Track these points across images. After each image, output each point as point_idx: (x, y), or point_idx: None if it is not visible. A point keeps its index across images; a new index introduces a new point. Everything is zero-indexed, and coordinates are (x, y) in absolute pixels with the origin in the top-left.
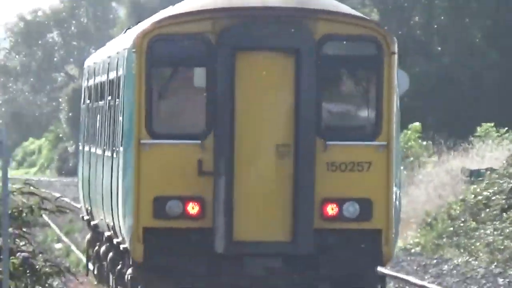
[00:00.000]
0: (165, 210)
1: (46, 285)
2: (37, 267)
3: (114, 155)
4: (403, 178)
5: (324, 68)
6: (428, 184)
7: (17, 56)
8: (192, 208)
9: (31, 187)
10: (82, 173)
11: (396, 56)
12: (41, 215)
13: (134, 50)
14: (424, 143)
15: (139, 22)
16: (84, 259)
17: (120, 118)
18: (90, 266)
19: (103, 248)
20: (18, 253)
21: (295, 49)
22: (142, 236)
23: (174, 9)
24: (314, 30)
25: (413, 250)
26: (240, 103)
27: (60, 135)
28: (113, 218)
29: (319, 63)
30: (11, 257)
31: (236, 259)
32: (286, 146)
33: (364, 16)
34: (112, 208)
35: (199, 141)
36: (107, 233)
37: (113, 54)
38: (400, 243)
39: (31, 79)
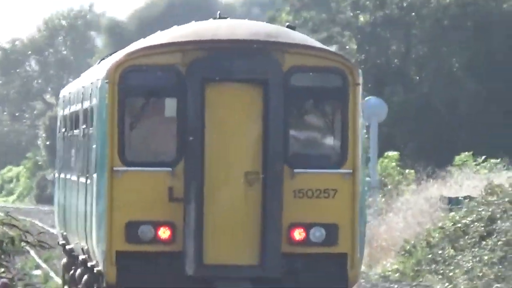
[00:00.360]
0: (137, 234)
1: None
2: None
3: (88, 181)
4: (380, 205)
5: (291, 98)
6: (406, 211)
7: None
8: (164, 233)
9: (12, 219)
10: (58, 199)
11: (360, 87)
12: (22, 247)
13: (107, 80)
14: (406, 171)
15: (113, 53)
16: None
17: (94, 146)
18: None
19: (78, 271)
20: None
21: (263, 80)
22: (115, 260)
23: (145, 41)
24: (282, 62)
25: (392, 277)
26: (209, 132)
27: (39, 163)
28: (87, 242)
29: (286, 94)
30: None
31: (206, 282)
32: (254, 174)
33: (330, 49)
34: (86, 232)
35: (170, 169)
36: (81, 257)
37: (87, 84)
38: (379, 270)
39: (9, 107)
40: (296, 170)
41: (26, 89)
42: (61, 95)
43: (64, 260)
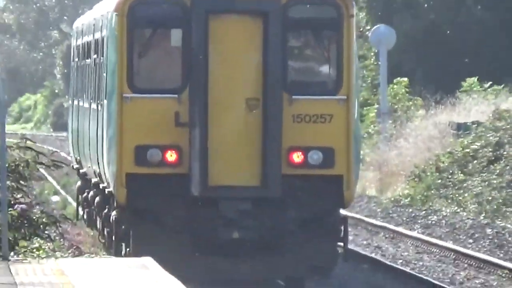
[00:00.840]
0: (146, 157)
1: (44, 234)
2: (34, 218)
3: (99, 108)
4: (390, 131)
5: (289, 29)
6: (416, 137)
7: (11, 16)
8: (170, 156)
9: (28, 142)
10: (72, 126)
11: (354, 19)
12: (38, 169)
13: (116, 13)
14: (415, 97)
15: None
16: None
17: (104, 74)
18: (80, 211)
19: (91, 194)
20: (16, 205)
21: (263, 12)
22: (125, 181)
23: None
24: None
25: (402, 202)
26: (213, 61)
27: (56, 91)
28: (99, 166)
29: (285, 25)
30: (9, 209)
31: (211, 202)
32: (255, 100)
33: None
34: (98, 156)
35: (176, 95)
36: (94, 180)
37: (98, 16)
38: (389, 195)
39: (26, 36)
40: (294, 97)
41: (42, 19)
42: (74, 26)
43: (78, 183)
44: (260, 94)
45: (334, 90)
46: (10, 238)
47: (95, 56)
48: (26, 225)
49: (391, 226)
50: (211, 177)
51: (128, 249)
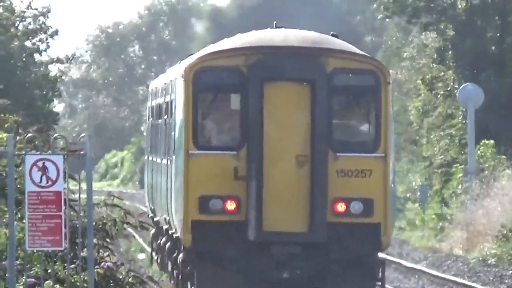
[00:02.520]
0: (208, 206)
1: None
2: (120, 277)
3: (169, 162)
4: (477, 191)
5: (334, 95)
6: (503, 197)
7: (98, 71)
8: (230, 205)
9: (115, 200)
10: (147, 179)
11: (390, 86)
12: (125, 229)
13: (183, 79)
14: (502, 157)
15: (190, 54)
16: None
17: (173, 133)
18: (154, 256)
19: (163, 240)
20: (102, 263)
21: (311, 79)
22: (190, 227)
23: (214, 46)
24: (326, 64)
25: (489, 261)
26: (267, 122)
27: (142, 148)
28: (168, 214)
29: (330, 91)
30: (95, 267)
31: (264, 245)
32: (304, 157)
33: (365, 54)
34: (167, 205)
35: (235, 152)
36: (165, 227)
37: (168, 81)
38: (476, 254)
39: (113, 92)
40: (338, 154)
41: (129, 75)
42: (149, 88)
43: (153, 231)
44: (308, 152)
45: (373, 148)
46: None
47: (165, 116)
48: (111, 284)
49: (479, 286)
50: (265, 223)
51: (192, 287)
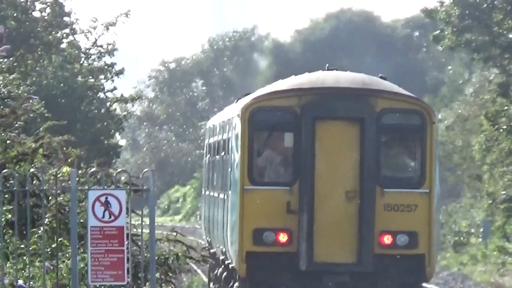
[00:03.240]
0: (262, 238)
1: None
2: None
3: (225, 197)
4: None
5: (382, 133)
6: None
7: (160, 106)
8: (282, 237)
9: (177, 235)
10: (204, 212)
11: (436, 125)
12: (187, 263)
13: (239, 118)
14: None
15: (247, 94)
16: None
17: (229, 169)
18: (212, 286)
19: (219, 270)
20: None
21: (361, 118)
22: (245, 258)
23: (269, 87)
24: (375, 105)
25: None
26: (318, 159)
27: None
28: (224, 245)
29: (378, 130)
30: None
31: (315, 275)
32: (353, 192)
33: (411, 95)
34: (224, 237)
35: (288, 187)
36: (221, 257)
37: (225, 119)
38: None
39: (176, 127)
40: (386, 190)
41: (191, 110)
42: (207, 126)
43: (210, 262)
44: (357, 187)
45: (418, 184)
46: None
47: (222, 153)
48: None
49: None
50: (316, 254)
51: None
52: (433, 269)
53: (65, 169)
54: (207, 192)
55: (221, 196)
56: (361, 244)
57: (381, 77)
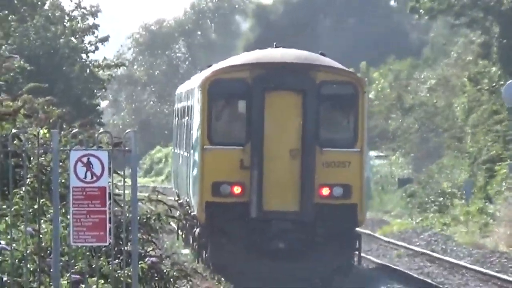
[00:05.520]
0: (219, 190)
1: None
2: (164, 271)
3: (189, 155)
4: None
5: (321, 102)
6: None
7: (141, 68)
8: (237, 189)
9: (159, 195)
10: (173, 168)
11: (366, 94)
12: (169, 223)
13: (200, 88)
14: None
15: (209, 66)
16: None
17: (192, 132)
18: (180, 232)
19: (185, 218)
20: (147, 258)
21: (303, 89)
22: (205, 207)
23: (226, 62)
24: (315, 78)
25: None
26: (267, 123)
27: None
28: (188, 196)
29: (318, 99)
30: (140, 262)
31: (264, 222)
32: (296, 151)
33: (346, 69)
34: (187, 189)
35: (241, 147)
36: (186, 207)
37: (189, 88)
38: None
39: (157, 89)
40: (324, 149)
41: (173, 71)
42: (176, 93)
43: (178, 213)
44: (300, 147)
45: (352, 144)
46: None
47: (187, 117)
48: (156, 278)
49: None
50: (264, 204)
51: (206, 255)
52: (364, 216)
53: (42, 131)
54: (175, 150)
55: (186, 154)
56: (303, 195)
57: (321, 54)
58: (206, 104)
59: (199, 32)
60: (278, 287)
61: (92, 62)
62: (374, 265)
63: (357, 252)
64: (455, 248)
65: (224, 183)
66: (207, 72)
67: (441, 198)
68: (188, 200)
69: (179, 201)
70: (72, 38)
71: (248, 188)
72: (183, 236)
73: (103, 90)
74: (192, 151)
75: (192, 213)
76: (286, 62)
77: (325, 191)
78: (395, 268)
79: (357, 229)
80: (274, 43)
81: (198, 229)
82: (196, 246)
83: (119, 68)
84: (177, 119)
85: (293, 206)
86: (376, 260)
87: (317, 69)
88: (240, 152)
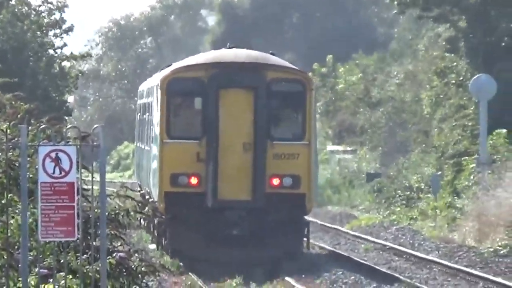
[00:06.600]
0: (177, 181)
1: (142, 284)
2: (132, 266)
3: (149, 148)
4: (489, 181)
5: (271, 98)
6: None
7: (109, 63)
8: (193, 180)
9: (128, 191)
10: (136, 161)
11: (314, 91)
12: (137, 219)
13: (159, 86)
14: None
15: (169, 65)
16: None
17: (152, 127)
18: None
19: (146, 208)
20: (115, 254)
21: (254, 87)
22: (164, 197)
23: (182, 62)
24: (265, 76)
25: (501, 252)
26: (222, 118)
27: None
28: (149, 187)
29: (268, 95)
30: (108, 257)
31: (219, 210)
32: (249, 144)
33: (295, 67)
34: (148, 180)
35: (198, 141)
36: (147, 196)
37: (150, 86)
38: (488, 245)
39: (125, 84)
40: (274, 142)
41: (141, 66)
42: (139, 90)
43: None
44: (252, 140)
45: (300, 138)
46: (109, 287)
47: (148, 113)
48: (124, 273)
49: (490, 277)
50: (219, 194)
51: (165, 242)
52: (312, 205)
53: (5, 125)
54: (138, 145)
55: (147, 148)
56: (255, 185)
57: (271, 53)
58: (165, 101)
59: (166, 28)
60: (233, 271)
61: (60, 56)
62: (344, 259)
63: (305, 239)
64: (422, 242)
65: (182, 175)
66: (166, 71)
67: (408, 193)
68: (149, 190)
69: (141, 192)
70: (39, 33)
71: (204, 179)
72: (145, 224)
73: (73, 89)
74: (152, 145)
75: (153, 202)
76: (238, 62)
77: (276, 181)
78: (362, 262)
79: (307, 217)
80: (228, 44)
81: (157, 218)
82: (157, 234)
83: (86, 60)
84: (139, 115)
85: (246, 195)
86: (344, 253)
87: (268, 68)
88: (197, 146)
